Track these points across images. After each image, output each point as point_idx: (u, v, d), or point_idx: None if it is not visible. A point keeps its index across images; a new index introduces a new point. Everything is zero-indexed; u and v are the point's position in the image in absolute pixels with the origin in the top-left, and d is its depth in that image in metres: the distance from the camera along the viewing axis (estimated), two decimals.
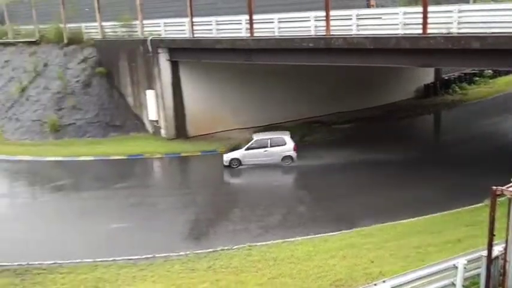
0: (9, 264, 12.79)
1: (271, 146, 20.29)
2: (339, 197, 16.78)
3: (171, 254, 12.85)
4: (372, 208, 15.41)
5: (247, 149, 20.35)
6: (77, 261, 12.82)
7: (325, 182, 18.45)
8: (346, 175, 18.78)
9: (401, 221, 13.93)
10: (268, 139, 20.55)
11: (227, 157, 20.46)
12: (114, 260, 12.74)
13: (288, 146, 20.25)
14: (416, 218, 14.05)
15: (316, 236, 13.38)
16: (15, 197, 19.57)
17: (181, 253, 12.90)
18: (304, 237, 13.35)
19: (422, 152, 21.45)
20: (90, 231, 15.03)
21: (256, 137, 20.82)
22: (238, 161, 20.31)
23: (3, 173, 21.97)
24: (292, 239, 13.28)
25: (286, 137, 20.53)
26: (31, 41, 30.75)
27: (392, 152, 20.95)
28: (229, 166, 20.33)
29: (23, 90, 27.91)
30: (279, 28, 20.23)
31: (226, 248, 12.92)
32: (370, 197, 16.40)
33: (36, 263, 12.83)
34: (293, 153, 20.15)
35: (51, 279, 12.09)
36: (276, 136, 20.87)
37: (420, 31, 15.96)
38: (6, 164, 22.53)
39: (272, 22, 20.46)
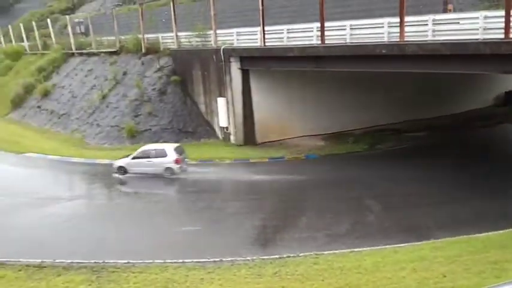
0: (87, 261, 13.55)
1: (154, 157, 20.69)
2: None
3: (237, 259, 13.01)
4: (444, 220, 14.76)
5: (133, 158, 20.87)
6: (149, 261, 13.33)
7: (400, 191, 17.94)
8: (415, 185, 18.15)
9: (477, 235, 13.20)
10: (152, 150, 21.16)
11: (115, 164, 21.16)
12: (184, 261, 13.10)
13: (169, 158, 20.53)
14: (492, 232, 13.25)
15: (386, 247, 13.00)
16: (92, 198, 20.74)
17: (247, 258, 13.03)
18: (373, 248, 13.01)
19: (500, 162, 20.22)
20: (160, 232, 15.59)
21: (144, 147, 21.62)
22: (124, 169, 20.96)
23: (83, 175, 23.26)
24: (360, 249, 13.00)
25: (169, 149, 20.92)
26: (112, 51, 32.60)
27: (467, 162, 19.95)
28: (117, 173, 21.09)
29: (104, 97, 29.60)
30: (351, 35, 20.02)
31: (292, 255, 12.88)
32: (440, 209, 15.74)
33: (112, 261, 13.49)
34: (174, 165, 20.47)
35: (124, 277, 12.64)
36: (159, 148, 21.48)
37: (502, 36, 15.11)
38: (87, 167, 23.87)
39: (344, 29, 20.28)
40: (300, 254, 12.83)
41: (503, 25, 15.01)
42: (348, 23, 20.18)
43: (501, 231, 13.31)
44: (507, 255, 11.53)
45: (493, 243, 12.61)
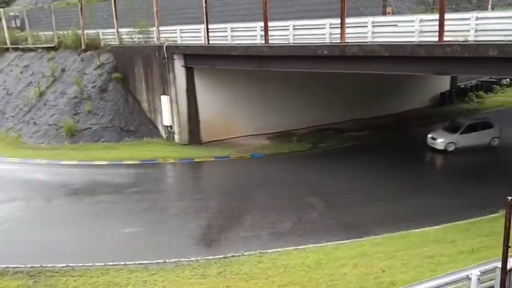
0: (23, 266, 12.93)
1: None
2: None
3: (181, 259, 12.86)
4: (384, 217, 15.31)
5: None
6: (89, 264, 12.91)
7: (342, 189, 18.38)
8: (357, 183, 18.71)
9: (414, 230, 13.78)
10: None
11: None
12: (125, 264, 12.79)
13: None
14: (428, 228, 13.88)
15: (328, 243, 13.29)
16: (28, 199, 19.78)
17: (192, 259, 12.90)
18: (316, 245, 13.26)
19: (436, 161, 21.29)
20: (100, 234, 15.15)
21: None
22: None
23: (21, 174, 22.18)
24: (304, 247, 13.20)
25: None
26: (50, 47, 31.25)
27: (405, 159, 20.82)
28: None
29: (41, 94, 28.32)
30: (294, 35, 20.25)
31: (237, 254, 12.89)
32: (381, 206, 16.32)
33: (50, 265, 12.94)
34: None
35: (63, 282, 12.17)
36: None
37: (436, 39, 15.81)
38: (24, 167, 22.77)
39: (287, 29, 20.48)
40: (245, 253, 12.89)
41: (437, 28, 15.72)
42: (291, 23, 20.40)
43: (436, 227, 13.98)
44: (442, 250, 12.11)
45: (429, 238, 13.21)
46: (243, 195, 18.18)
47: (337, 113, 26.78)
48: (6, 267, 12.92)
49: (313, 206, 16.70)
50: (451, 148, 22.32)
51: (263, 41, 20.74)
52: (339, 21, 18.13)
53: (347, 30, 18.05)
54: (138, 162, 22.27)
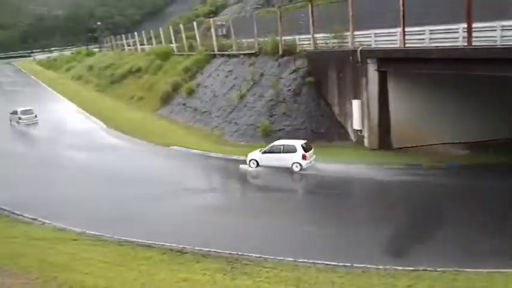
0: (222, 251, 14.41)
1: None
2: None
3: (369, 266, 12.77)
4: None
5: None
6: (280, 258, 13.72)
7: None
8: None
9: None
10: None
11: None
12: (314, 262, 13.24)
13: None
14: None
15: None
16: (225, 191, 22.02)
17: (380, 267, 12.73)
18: None
19: None
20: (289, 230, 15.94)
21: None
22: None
23: (221, 168, 24.66)
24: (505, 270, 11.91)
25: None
26: (251, 53, 34.01)
27: None
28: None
29: (242, 97, 31.04)
30: (502, 37, 18.36)
31: (429, 268, 12.27)
32: None
33: (246, 254, 14.16)
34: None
35: (257, 271, 13.18)
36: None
37: None
38: (224, 162, 25.28)
39: (494, 30, 18.68)
40: (438, 269, 12.17)
41: None
42: (498, 23, 18.52)
43: None
44: None
45: None
46: (437, 207, 17.14)
47: None
48: (209, 250, 14.57)
49: None
50: None
51: (466, 43, 19.28)
52: None
53: None
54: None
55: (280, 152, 22.59)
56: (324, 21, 28.32)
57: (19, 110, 38.88)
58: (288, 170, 22.05)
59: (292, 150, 22.29)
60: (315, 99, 27.44)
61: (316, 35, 28.81)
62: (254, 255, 14.05)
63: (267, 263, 13.60)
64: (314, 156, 22.56)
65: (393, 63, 23.34)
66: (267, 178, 22.27)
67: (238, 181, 23.03)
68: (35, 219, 18.25)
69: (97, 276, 13.18)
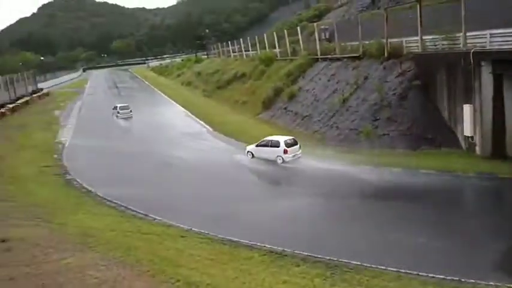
0: (321, 256, 14.38)
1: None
2: None
3: (479, 282, 12.00)
4: None
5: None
6: (382, 267, 13.37)
7: None
8: None
9: None
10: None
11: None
12: (418, 274, 12.73)
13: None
14: None
15: None
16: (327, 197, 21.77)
17: (491, 283, 11.90)
18: None
19: None
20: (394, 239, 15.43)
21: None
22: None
23: (323, 173, 24.53)
24: None
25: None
26: (355, 56, 33.49)
27: None
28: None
29: (344, 101, 30.67)
30: None
31: None
32: None
33: (345, 260, 14.02)
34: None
35: (357, 279, 12.99)
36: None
37: None
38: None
39: None
40: None
41: None
42: None
43: None
44: None
45: None
46: None
47: None
48: (308, 255, 14.63)
49: None
50: None
51: None
52: None
53: None
54: (435, 171, 21.66)
55: (268, 146, 25.97)
56: (433, 22, 27.04)
57: (118, 105, 47.55)
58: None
59: (276, 144, 25.64)
60: (422, 103, 26.25)
61: (425, 37, 27.58)
62: (354, 262, 13.87)
63: (368, 271, 13.35)
64: (300, 152, 25.57)
65: (510, 65, 21.61)
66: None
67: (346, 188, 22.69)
68: (146, 215, 19.65)
69: (202, 273, 13.90)
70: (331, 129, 30.01)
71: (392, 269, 13.21)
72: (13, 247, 16.05)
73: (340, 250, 14.75)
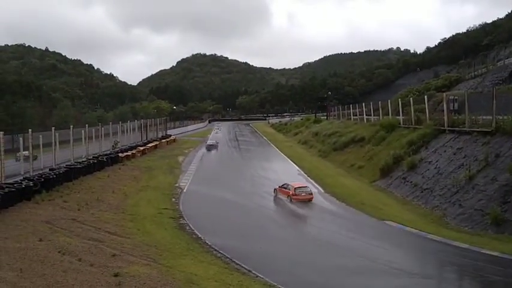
0: None
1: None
2: None
3: None
4: None
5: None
6: None
7: None
8: None
9: None
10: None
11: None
12: None
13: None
14: None
15: None
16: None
17: None
18: None
19: None
20: None
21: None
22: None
23: (443, 255, 22.56)
24: None
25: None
26: (486, 131, 31.10)
27: None
28: None
29: (471, 178, 28.32)
30: None
31: None
32: None
33: None
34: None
35: None
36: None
37: None
38: (444, 247, 23.03)
39: None
40: None
41: None
42: None
43: None
44: None
45: None
46: None
47: None
48: None
49: None
50: None
51: None
52: None
53: None
54: None
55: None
56: None
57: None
58: None
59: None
60: None
61: None
62: None
63: None
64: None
65: None
66: None
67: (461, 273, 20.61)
68: (249, 271, 19.50)
69: None
70: (453, 207, 27.75)
71: None
72: (123, 283, 16.83)
73: None
